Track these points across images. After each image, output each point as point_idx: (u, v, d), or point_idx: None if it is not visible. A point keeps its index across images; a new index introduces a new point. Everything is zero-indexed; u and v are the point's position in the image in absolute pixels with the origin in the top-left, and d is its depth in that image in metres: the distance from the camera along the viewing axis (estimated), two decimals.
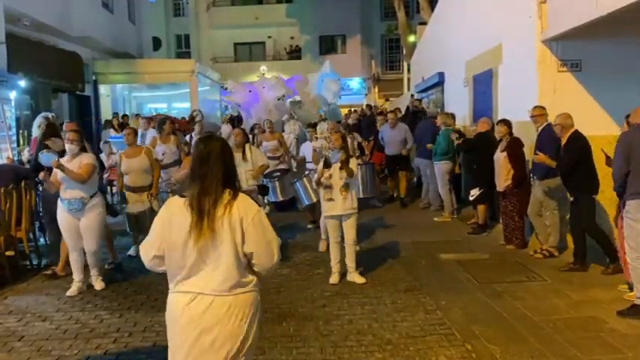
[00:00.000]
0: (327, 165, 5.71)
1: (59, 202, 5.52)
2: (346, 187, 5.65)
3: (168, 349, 2.56)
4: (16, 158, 9.01)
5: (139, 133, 9.78)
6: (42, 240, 7.23)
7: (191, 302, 2.42)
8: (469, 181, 8.41)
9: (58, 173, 5.40)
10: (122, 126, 13.13)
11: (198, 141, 2.60)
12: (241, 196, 2.49)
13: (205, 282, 2.42)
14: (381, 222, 8.71)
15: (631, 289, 4.99)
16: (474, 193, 7.77)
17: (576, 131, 5.88)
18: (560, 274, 5.85)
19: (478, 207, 7.97)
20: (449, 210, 9.02)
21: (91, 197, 5.48)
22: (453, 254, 6.80)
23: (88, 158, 5.54)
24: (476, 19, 9.73)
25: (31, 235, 6.73)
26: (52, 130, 6.73)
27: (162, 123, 8.55)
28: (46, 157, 5.24)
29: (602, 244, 5.86)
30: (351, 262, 5.83)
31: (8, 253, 6.01)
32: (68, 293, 5.53)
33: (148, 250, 2.53)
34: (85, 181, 5.39)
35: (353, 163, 5.69)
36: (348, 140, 9.53)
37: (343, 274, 5.89)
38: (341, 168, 5.60)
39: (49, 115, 8.07)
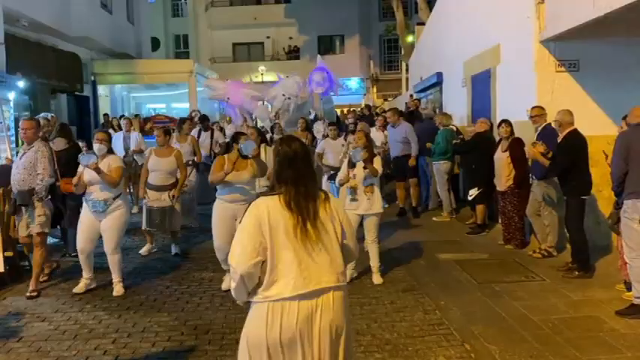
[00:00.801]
0: (352, 165, 5.65)
1: (84, 201, 5.56)
2: (371, 187, 5.60)
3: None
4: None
5: (122, 136, 9.79)
6: None
7: (315, 302, 2.40)
8: (468, 181, 8.41)
9: (85, 175, 5.41)
10: (121, 127, 13.11)
11: (279, 142, 2.63)
12: (327, 193, 2.60)
13: (320, 278, 2.42)
14: (380, 222, 8.66)
15: (628, 289, 5.00)
16: (473, 193, 7.78)
17: (574, 130, 5.82)
18: (559, 273, 5.86)
19: (477, 207, 7.97)
20: (447, 210, 9.01)
21: (115, 199, 5.48)
22: (451, 254, 6.80)
23: (116, 161, 5.57)
24: (474, 19, 9.73)
25: None
26: (64, 130, 6.95)
27: (181, 122, 8.90)
28: (86, 158, 5.28)
29: (578, 248, 5.83)
30: (374, 261, 5.81)
31: (7, 253, 5.99)
32: (75, 290, 5.57)
33: (246, 257, 2.38)
34: (117, 184, 5.46)
35: (377, 162, 5.63)
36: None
37: None
38: (365, 167, 5.54)
39: (49, 115, 8.06)
